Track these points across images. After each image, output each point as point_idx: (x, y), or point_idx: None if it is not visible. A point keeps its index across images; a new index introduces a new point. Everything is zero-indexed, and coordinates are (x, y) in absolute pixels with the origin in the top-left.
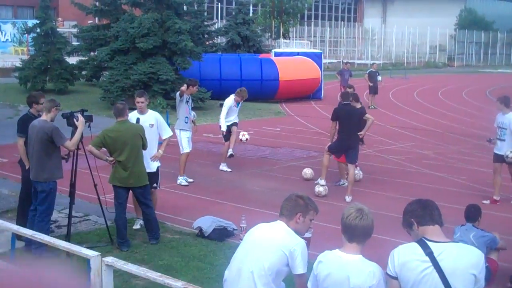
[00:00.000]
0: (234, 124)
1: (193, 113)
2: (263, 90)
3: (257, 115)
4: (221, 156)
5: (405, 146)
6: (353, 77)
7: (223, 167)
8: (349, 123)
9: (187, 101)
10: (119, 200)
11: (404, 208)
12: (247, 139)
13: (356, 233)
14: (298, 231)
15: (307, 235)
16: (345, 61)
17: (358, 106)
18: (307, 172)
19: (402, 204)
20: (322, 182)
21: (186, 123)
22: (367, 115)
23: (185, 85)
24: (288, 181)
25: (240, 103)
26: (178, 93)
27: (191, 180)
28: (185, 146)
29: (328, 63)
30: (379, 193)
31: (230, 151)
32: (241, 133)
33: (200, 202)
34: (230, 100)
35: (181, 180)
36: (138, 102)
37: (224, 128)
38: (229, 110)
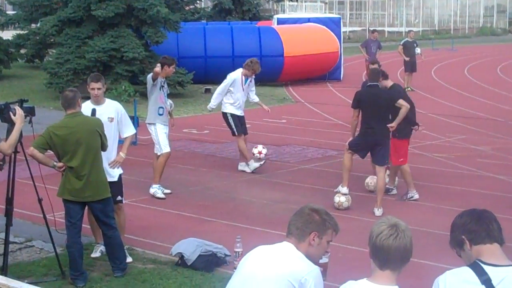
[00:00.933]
0: (244, 122)
1: (169, 101)
2: (263, 70)
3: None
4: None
5: (454, 140)
6: (382, 50)
7: (243, 167)
8: (376, 111)
9: (161, 87)
10: (72, 220)
11: (453, 222)
12: (264, 155)
13: (390, 257)
14: (311, 256)
15: (323, 260)
16: (371, 28)
17: (389, 84)
18: (370, 183)
19: (450, 218)
20: (344, 189)
21: (161, 114)
22: (400, 101)
23: (159, 65)
24: (298, 190)
25: (250, 79)
26: (150, 76)
27: (168, 191)
28: (164, 145)
29: (350, 32)
30: (420, 203)
31: (253, 165)
32: (261, 148)
33: (181, 220)
34: (235, 74)
35: (156, 190)
36: (93, 89)
37: (212, 105)
38: (235, 89)
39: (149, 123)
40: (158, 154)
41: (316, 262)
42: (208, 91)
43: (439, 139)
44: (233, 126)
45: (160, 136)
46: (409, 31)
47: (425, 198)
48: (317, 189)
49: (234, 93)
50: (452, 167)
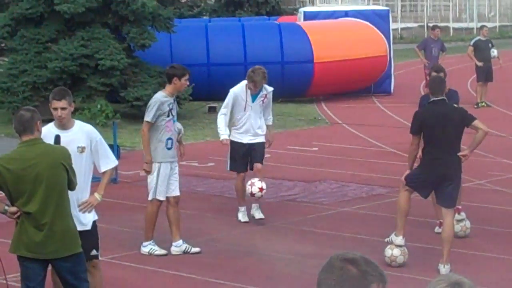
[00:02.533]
0: (257, 147)
1: (178, 126)
2: (287, 82)
3: (277, 125)
4: (236, 198)
5: None
6: (447, 53)
7: (240, 214)
8: (443, 136)
9: (170, 110)
10: (29, 284)
11: None
12: (260, 192)
13: None
14: None
15: None
16: (431, 24)
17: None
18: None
19: None
20: (399, 240)
21: (170, 148)
22: (476, 122)
23: (171, 76)
24: (336, 241)
25: (263, 95)
26: (160, 98)
27: (197, 249)
28: (160, 191)
29: (402, 29)
30: (500, 257)
31: (242, 215)
32: (252, 182)
33: (178, 283)
34: (237, 88)
35: (152, 248)
36: (55, 109)
37: (222, 131)
38: (238, 108)
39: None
40: (149, 198)
41: None
42: (212, 110)
43: None
44: (228, 158)
45: (161, 178)
46: (482, 27)
47: (509, 251)
48: (360, 239)
49: (235, 113)
50: None
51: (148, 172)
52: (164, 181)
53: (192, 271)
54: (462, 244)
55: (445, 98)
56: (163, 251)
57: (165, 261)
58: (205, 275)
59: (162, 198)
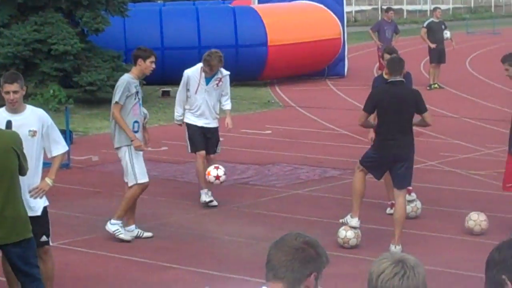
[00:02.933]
0: (211, 136)
1: (144, 110)
2: (241, 65)
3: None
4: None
5: (496, 152)
6: (400, 35)
7: (203, 195)
8: (399, 117)
9: (137, 92)
10: None
11: (488, 258)
12: (218, 180)
13: None
14: None
15: None
16: (385, 6)
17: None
18: (476, 224)
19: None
20: (354, 221)
21: (137, 131)
22: (426, 115)
23: (136, 57)
24: (288, 223)
25: (218, 78)
26: (127, 79)
27: (150, 234)
28: (140, 173)
29: (356, 12)
30: (450, 237)
31: (205, 195)
32: (208, 171)
33: (130, 267)
34: (191, 70)
35: (118, 229)
36: (7, 93)
37: (177, 114)
38: (191, 91)
39: (119, 147)
40: (130, 184)
41: None
42: (166, 94)
43: (477, 151)
44: (187, 140)
45: (136, 160)
46: (435, 9)
47: (460, 230)
48: (313, 221)
49: (190, 95)
50: (494, 187)
51: (140, 146)
52: (139, 161)
53: (144, 256)
54: (413, 225)
55: (403, 79)
56: (128, 237)
57: (118, 246)
58: (158, 259)
59: (145, 180)
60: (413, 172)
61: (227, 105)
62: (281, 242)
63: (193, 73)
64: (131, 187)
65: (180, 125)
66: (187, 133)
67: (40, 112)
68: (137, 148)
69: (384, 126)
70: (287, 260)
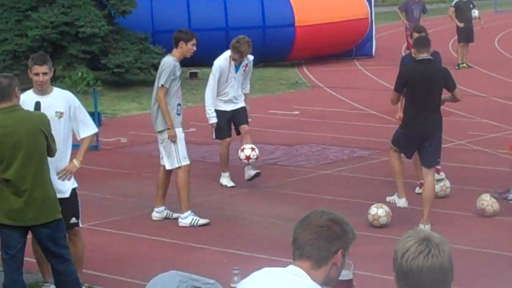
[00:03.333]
0: (240, 111)
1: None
2: (268, 46)
3: (258, 90)
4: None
5: None
6: (428, 15)
7: (225, 180)
8: (427, 95)
9: (180, 74)
10: (10, 251)
11: None
12: (246, 160)
13: (422, 283)
14: (333, 280)
15: (346, 276)
16: None
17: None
18: (488, 204)
19: None
20: (402, 202)
21: (179, 114)
22: (456, 91)
23: (178, 40)
24: (317, 203)
25: (243, 64)
26: (171, 61)
27: (177, 215)
28: (184, 156)
29: None
30: (479, 216)
31: (250, 170)
32: (242, 148)
33: (159, 248)
34: (221, 61)
35: (193, 218)
36: (36, 74)
37: (211, 114)
38: (221, 80)
39: (162, 130)
40: (172, 168)
41: (334, 285)
42: (194, 75)
43: (506, 130)
44: (213, 128)
45: (180, 144)
46: None
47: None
48: (341, 201)
49: (220, 84)
50: None
51: (174, 137)
52: (181, 144)
53: (173, 237)
54: (442, 204)
55: (431, 57)
56: (206, 220)
57: (147, 227)
58: (187, 240)
59: (188, 162)
60: (441, 150)
61: (247, 89)
62: (306, 221)
63: (224, 63)
64: (172, 171)
65: (213, 125)
66: (212, 123)
67: (67, 94)
68: (170, 138)
69: (413, 104)
70: (312, 238)
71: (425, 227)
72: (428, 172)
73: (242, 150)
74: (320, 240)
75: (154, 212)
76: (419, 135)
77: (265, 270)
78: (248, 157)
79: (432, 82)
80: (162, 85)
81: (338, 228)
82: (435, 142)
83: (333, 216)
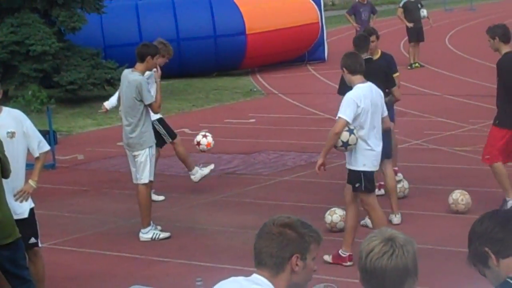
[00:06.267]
0: (159, 122)
1: None
2: (220, 55)
3: (213, 99)
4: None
5: (479, 128)
6: (379, 16)
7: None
8: None
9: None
10: None
11: (470, 231)
12: (207, 146)
13: (386, 283)
14: (299, 285)
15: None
16: None
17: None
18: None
19: None
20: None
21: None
22: (394, 89)
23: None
24: (277, 210)
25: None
26: (140, 77)
27: (167, 233)
28: (151, 171)
29: None
30: (438, 214)
31: (200, 172)
32: (205, 134)
33: (120, 263)
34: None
35: (154, 232)
36: None
37: (108, 106)
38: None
39: (143, 148)
40: (140, 183)
41: None
42: None
43: (461, 128)
44: (164, 132)
45: (152, 160)
46: None
47: (447, 208)
48: (301, 206)
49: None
50: (479, 163)
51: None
52: (152, 162)
53: (135, 251)
54: (401, 204)
55: (370, 56)
56: (167, 233)
57: (108, 244)
58: (148, 254)
59: (152, 178)
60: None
61: None
62: (262, 229)
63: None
64: (143, 187)
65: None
66: (161, 126)
67: (16, 113)
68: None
69: None
70: (266, 246)
71: (396, 217)
72: (387, 163)
73: (205, 136)
74: (272, 247)
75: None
76: None
77: (231, 279)
78: (209, 144)
79: (370, 79)
80: (149, 104)
81: (291, 232)
82: (386, 134)
83: (287, 221)
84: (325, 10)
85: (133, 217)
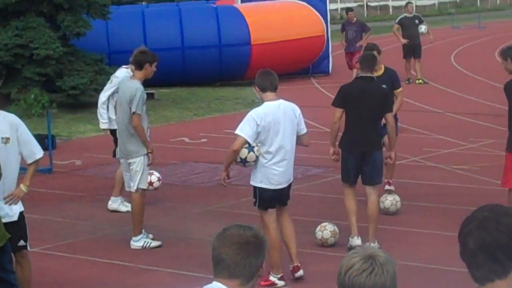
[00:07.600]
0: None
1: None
2: (225, 65)
3: (214, 109)
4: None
5: (479, 146)
6: (386, 32)
7: (115, 204)
8: (362, 111)
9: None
10: None
11: (460, 230)
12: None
13: None
14: None
15: None
16: (371, 3)
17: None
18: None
19: None
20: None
21: (149, 138)
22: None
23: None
24: None
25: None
26: (138, 85)
27: (158, 242)
28: (144, 179)
29: (342, 9)
30: (432, 232)
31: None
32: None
33: (111, 271)
34: (122, 73)
35: (146, 241)
36: None
37: (103, 126)
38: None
39: (137, 156)
40: (133, 190)
41: None
42: (151, 96)
43: (460, 146)
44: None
45: (145, 169)
46: (407, 4)
47: (442, 226)
48: (296, 220)
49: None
50: (477, 182)
51: (154, 159)
52: (146, 170)
53: (126, 259)
54: (395, 221)
55: (373, 76)
56: (158, 242)
57: (99, 250)
58: (138, 262)
59: (145, 186)
60: (382, 167)
61: None
62: (229, 239)
63: (125, 75)
64: (136, 195)
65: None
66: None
67: (10, 117)
68: (152, 162)
69: (349, 121)
70: (243, 258)
71: (373, 245)
72: (371, 190)
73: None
74: (250, 258)
75: (133, 241)
76: (357, 154)
77: None
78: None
79: (369, 100)
80: (134, 112)
81: (260, 241)
82: (375, 159)
83: (254, 230)
84: (332, 24)
85: (125, 224)
